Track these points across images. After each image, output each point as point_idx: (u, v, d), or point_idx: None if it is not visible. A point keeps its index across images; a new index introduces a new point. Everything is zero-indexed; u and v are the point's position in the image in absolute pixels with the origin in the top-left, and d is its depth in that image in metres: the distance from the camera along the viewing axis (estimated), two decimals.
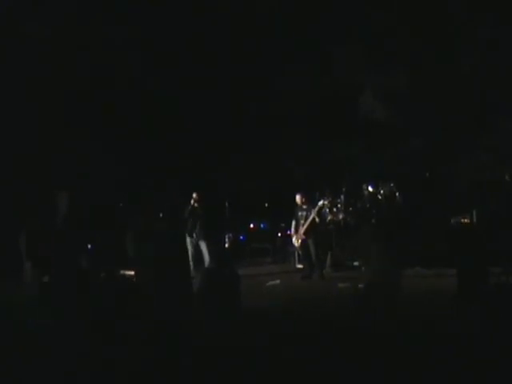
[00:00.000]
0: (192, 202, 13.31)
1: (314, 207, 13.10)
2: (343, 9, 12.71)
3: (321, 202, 13.40)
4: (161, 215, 12.64)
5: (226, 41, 12.97)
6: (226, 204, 15.49)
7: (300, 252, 13.69)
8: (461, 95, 13.57)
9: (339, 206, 15.28)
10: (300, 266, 14.04)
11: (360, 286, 10.39)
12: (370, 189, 14.82)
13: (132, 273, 11.48)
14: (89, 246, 9.47)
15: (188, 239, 13.16)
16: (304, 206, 13.21)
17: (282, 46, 13.07)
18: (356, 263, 13.98)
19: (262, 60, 13.41)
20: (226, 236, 15.57)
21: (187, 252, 12.61)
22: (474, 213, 13.96)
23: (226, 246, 15.59)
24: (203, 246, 13.29)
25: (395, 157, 14.72)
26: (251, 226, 20.19)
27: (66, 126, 11.71)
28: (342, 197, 15.19)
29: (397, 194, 14.83)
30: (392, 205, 14.47)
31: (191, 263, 12.52)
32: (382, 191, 14.78)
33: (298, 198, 13.27)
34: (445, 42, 13.06)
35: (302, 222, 13.11)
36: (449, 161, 15.01)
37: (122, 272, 9.91)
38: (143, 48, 12.51)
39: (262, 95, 14.18)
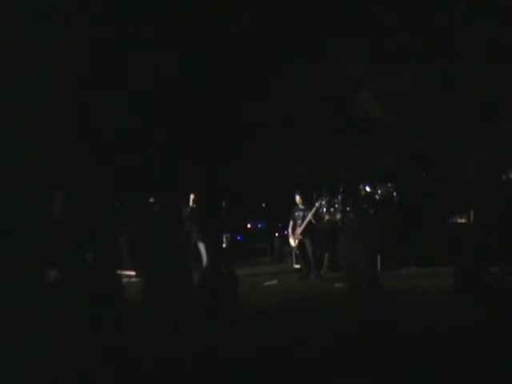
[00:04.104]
0: (191, 203, 13.33)
1: (311, 207, 13.10)
2: (344, 8, 12.71)
3: (318, 203, 13.40)
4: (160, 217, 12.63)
5: (226, 40, 12.97)
6: (224, 204, 15.48)
7: (297, 252, 13.69)
8: (461, 95, 13.59)
9: (337, 205, 15.27)
10: (297, 266, 14.03)
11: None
12: (368, 189, 14.82)
13: (131, 273, 11.54)
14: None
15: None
16: (301, 206, 13.21)
17: (281, 45, 13.06)
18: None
19: (261, 59, 13.40)
20: (224, 236, 15.54)
21: (189, 252, 12.64)
22: (472, 213, 13.99)
23: (224, 246, 15.57)
24: (201, 247, 13.29)
25: (394, 157, 14.73)
26: (248, 225, 20.18)
27: (69, 125, 11.75)
28: (340, 197, 15.18)
29: (394, 194, 14.85)
30: (388, 205, 14.49)
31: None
32: (379, 191, 14.78)
33: (297, 197, 13.26)
34: (445, 41, 13.07)
35: (299, 222, 13.11)
36: (449, 160, 15.02)
37: (121, 272, 9.93)
38: (144, 47, 12.51)
39: (260, 95, 14.18)
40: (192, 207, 13.36)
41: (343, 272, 11.00)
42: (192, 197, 13.33)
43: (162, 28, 12.24)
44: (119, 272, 10.01)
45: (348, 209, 14.90)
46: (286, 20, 12.65)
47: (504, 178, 14.11)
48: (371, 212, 12.88)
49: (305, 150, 15.39)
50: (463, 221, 14.38)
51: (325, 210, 14.88)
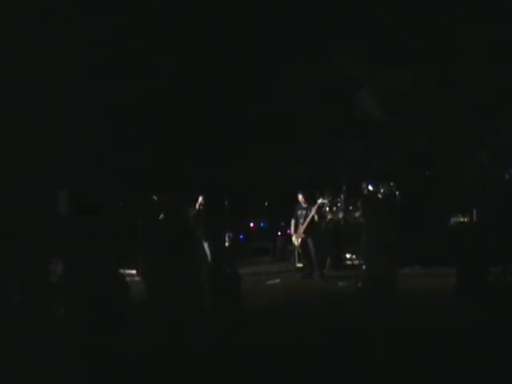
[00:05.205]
0: (197, 206, 13.36)
1: (313, 206, 13.11)
2: (344, 8, 12.70)
3: (320, 201, 13.40)
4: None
5: (226, 40, 12.96)
6: (226, 203, 15.51)
7: (300, 251, 13.69)
8: (461, 95, 13.58)
9: (339, 204, 15.31)
10: (300, 265, 14.04)
11: (359, 284, 10.46)
12: (370, 188, 14.85)
13: (133, 272, 11.55)
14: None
15: None
16: (304, 205, 13.22)
17: (281, 45, 13.06)
18: (356, 262, 14.03)
19: (261, 59, 13.40)
20: (226, 235, 15.58)
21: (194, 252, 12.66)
22: (474, 212, 14.00)
23: (227, 245, 15.60)
24: (205, 247, 13.33)
25: (395, 156, 14.73)
26: (251, 225, 20.23)
27: (69, 124, 11.76)
28: (342, 196, 15.23)
29: (396, 193, 14.86)
30: (391, 204, 14.51)
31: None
32: (382, 190, 14.81)
33: (300, 197, 13.26)
34: (445, 41, 13.06)
35: (302, 220, 13.11)
36: (449, 160, 15.02)
37: (122, 271, 9.94)
38: (144, 47, 12.51)
39: (261, 95, 14.18)
40: (199, 209, 13.39)
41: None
42: (200, 199, 13.36)
43: (162, 28, 12.24)
44: (121, 271, 10.03)
45: (351, 208, 14.98)
46: (286, 20, 12.63)
47: (507, 177, 14.12)
48: (377, 211, 12.94)
49: (305, 150, 15.39)
50: (465, 219, 14.41)
51: (327, 209, 14.94)
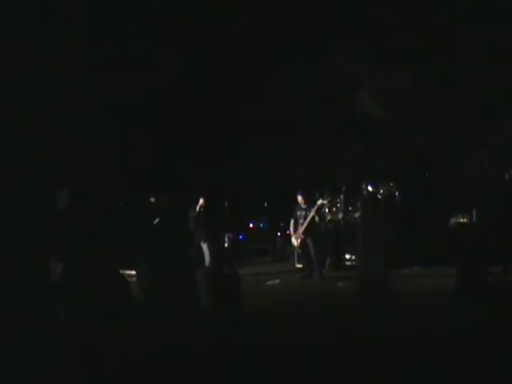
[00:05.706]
0: (198, 208, 13.34)
1: (313, 206, 13.09)
2: (344, 8, 12.72)
3: (320, 201, 13.38)
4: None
5: (226, 40, 12.97)
6: (226, 204, 15.49)
7: (299, 251, 13.68)
8: (461, 95, 13.59)
9: (339, 205, 15.31)
10: (299, 266, 14.03)
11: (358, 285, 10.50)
12: (370, 188, 14.85)
13: (133, 272, 11.53)
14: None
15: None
16: (303, 206, 13.20)
17: (281, 45, 13.07)
18: (356, 262, 14.02)
19: (261, 59, 13.41)
20: (226, 236, 15.56)
21: (191, 253, 12.64)
22: (474, 212, 14.00)
23: (226, 245, 15.58)
24: (205, 247, 13.29)
25: (395, 156, 14.74)
26: (251, 225, 20.22)
27: (70, 123, 11.78)
28: (342, 196, 15.23)
29: (396, 193, 14.87)
30: (391, 204, 14.52)
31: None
32: (381, 191, 14.81)
33: (299, 198, 13.24)
34: (445, 41, 13.08)
35: (301, 221, 13.09)
36: (449, 160, 15.03)
37: (122, 272, 9.92)
38: (144, 47, 12.52)
39: (260, 95, 14.19)
40: (199, 211, 13.37)
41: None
42: (201, 201, 13.32)
43: (162, 28, 12.25)
44: (122, 271, 10.02)
45: (350, 208, 14.97)
46: (286, 20, 12.65)
47: (507, 177, 14.12)
48: (378, 212, 12.94)
49: (305, 150, 15.40)
50: (465, 220, 14.42)
51: (327, 209, 14.93)
